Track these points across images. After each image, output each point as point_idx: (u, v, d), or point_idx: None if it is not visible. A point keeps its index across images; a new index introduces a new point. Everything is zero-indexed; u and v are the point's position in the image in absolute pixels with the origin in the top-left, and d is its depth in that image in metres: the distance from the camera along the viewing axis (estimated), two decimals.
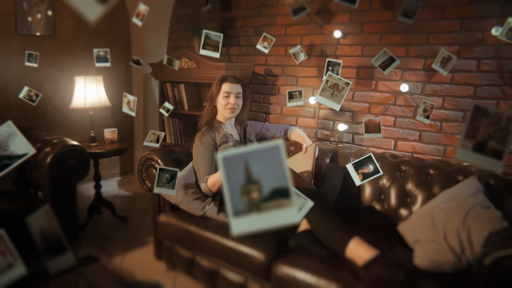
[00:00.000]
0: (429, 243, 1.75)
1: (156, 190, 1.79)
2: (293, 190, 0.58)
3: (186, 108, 3.34)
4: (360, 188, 2.27)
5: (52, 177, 2.40)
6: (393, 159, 2.27)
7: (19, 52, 3.10)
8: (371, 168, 1.65)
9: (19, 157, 0.95)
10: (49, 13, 3.24)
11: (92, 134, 3.04)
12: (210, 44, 2.32)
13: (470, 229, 1.64)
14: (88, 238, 2.80)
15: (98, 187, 3.03)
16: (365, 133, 1.94)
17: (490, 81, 2.34)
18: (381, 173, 1.63)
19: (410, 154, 2.59)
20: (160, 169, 1.81)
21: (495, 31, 2.25)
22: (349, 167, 1.66)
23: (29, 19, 3.11)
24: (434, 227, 1.78)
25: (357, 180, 1.65)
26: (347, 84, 1.72)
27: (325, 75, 2.44)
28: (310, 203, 1.54)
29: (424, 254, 1.72)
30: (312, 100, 3.01)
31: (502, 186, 1.91)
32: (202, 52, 2.23)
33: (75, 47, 3.46)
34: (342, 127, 2.90)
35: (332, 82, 1.73)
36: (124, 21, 3.82)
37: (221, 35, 2.24)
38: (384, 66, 2.29)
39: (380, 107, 2.74)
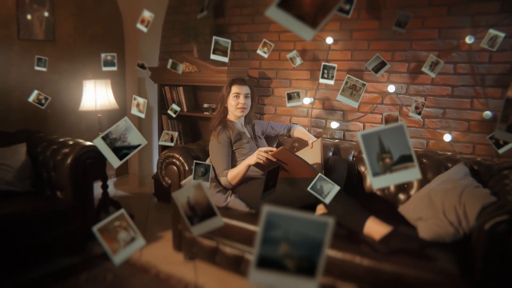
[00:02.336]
0: (430, 219, 2.05)
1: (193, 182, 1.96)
2: (414, 156, 0.82)
3: (185, 110, 3.49)
4: (362, 177, 2.55)
5: (72, 177, 2.49)
6: None
7: (20, 57, 3.12)
8: None
9: (134, 147, 1.11)
10: (49, 18, 3.28)
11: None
12: (219, 50, 2.54)
13: (465, 204, 1.96)
14: None
15: (105, 187, 3.12)
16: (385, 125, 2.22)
17: (465, 82, 2.71)
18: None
19: None
20: (196, 163, 1.98)
21: (468, 40, 2.62)
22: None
23: (30, 22, 3.14)
24: (433, 206, 2.09)
25: None
26: (363, 84, 1.99)
27: (321, 77, 2.71)
28: (337, 188, 1.79)
29: (427, 228, 2.02)
30: (306, 101, 3.28)
31: (484, 170, 2.26)
32: (213, 56, 2.43)
33: (72, 52, 3.51)
34: (334, 125, 3.18)
35: (350, 83, 1.99)
36: (118, 26, 3.90)
37: (229, 41, 2.47)
38: (376, 69, 2.60)
39: (369, 106, 3.06)
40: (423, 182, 2.35)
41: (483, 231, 1.69)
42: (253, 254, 0.56)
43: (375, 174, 0.81)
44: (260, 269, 0.56)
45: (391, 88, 2.91)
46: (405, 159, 0.81)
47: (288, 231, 0.55)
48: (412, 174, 0.81)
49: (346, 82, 1.98)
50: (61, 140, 2.70)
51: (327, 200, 1.78)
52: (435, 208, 2.07)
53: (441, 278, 1.74)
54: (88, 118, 3.55)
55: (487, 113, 2.61)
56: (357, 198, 2.49)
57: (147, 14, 3.13)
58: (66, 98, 3.40)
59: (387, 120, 2.18)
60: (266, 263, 0.56)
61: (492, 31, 2.15)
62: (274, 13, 0.70)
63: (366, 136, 0.82)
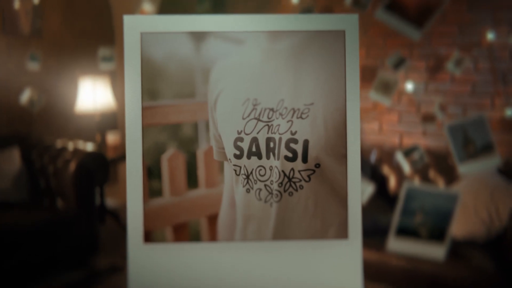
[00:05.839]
0: (462, 219, 2.28)
1: None
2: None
3: None
4: (385, 178, 2.77)
5: (76, 184, 2.59)
6: None
7: (5, 53, 3.20)
8: (416, 156, 2.15)
9: None
10: (36, 8, 3.37)
11: (97, 138, 3.24)
12: None
13: (498, 203, 2.19)
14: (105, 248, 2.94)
15: (101, 195, 3.21)
16: None
17: (485, 79, 2.98)
18: (426, 160, 2.13)
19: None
20: None
21: (489, 36, 2.89)
22: (399, 155, 2.13)
23: (16, 13, 3.23)
24: (464, 205, 2.32)
25: (405, 166, 2.14)
26: (396, 82, 2.21)
27: None
28: (370, 187, 2.00)
29: (459, 228, 2.24)
30: None
31: (509, 170, 2.51)
32: None
33: (61, 47, 3.60)
34: None
35: (383, 79, 2.20)
36: (108, 20, 4.01)
37: None
38: (397, 66, 2.83)
39: (384, 105, 3.29)
40: (449, 181, 2.58)
41: None
42: (392, 224, 0.74)
43: (461, 160, 1.01)
44: (397, 237, 0.75)
45: (409, 86, 3.14)
46: (486, 147, 1.01)
47: (423, 203, 0.73)
48: (493, 161, 1.01)
49: (379, 79, 2.19)
50: (58, 144, 2.80)
51: (363, 199, 1.99)
52: (467, 208, 2.29)
53: (478, 276, 1.96)
54: (80, 120, 3.64)
55: (509, 111, 2.88)
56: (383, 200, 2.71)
57: (147, 7, 3.28)
58: (56, 99, 3.49)
59: (425, 117, 2.41)
60: (403, 231, 0.74)
61: None
62: (382, 15, 0.89)
63: (452, 128, 1.01)
